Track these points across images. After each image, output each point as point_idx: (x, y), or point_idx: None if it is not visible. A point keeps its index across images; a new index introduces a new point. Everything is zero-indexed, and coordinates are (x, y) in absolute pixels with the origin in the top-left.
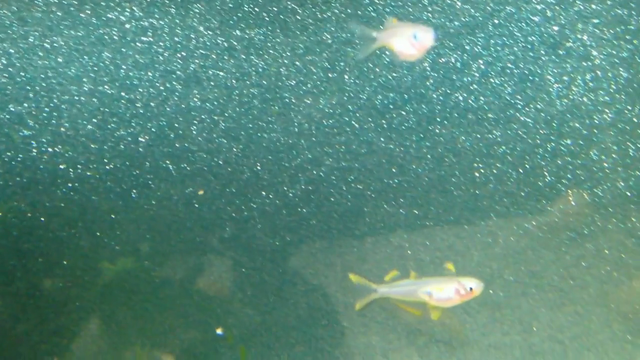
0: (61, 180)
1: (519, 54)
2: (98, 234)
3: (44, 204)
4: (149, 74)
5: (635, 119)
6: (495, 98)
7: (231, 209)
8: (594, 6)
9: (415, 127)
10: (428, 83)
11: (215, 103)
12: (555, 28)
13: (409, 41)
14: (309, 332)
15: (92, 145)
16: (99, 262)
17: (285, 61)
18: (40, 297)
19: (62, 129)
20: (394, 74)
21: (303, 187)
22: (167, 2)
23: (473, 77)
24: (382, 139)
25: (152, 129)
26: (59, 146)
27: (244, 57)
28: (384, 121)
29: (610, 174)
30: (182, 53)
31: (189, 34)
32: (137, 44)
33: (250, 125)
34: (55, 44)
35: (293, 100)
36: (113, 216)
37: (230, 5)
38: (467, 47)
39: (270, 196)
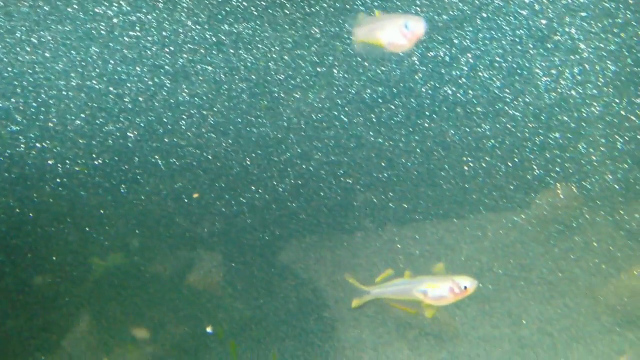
0: (50, 176)
1: (508, 47)
2: (87, 229)
3: (32, 199)
4: (138, 69)
5: (623, 112)
6: (484, 92)
7: (221, 204)
8: (581, 0)
9: (405, 121)
10: (417, 77)
11: (204, 98)
12: (544, 22)
13: (399, 31)
14: (299, 327)
15: (81, 141)
16: (88, 257)
17: (274, 56)
18: (30, 293)
19: (51, 125)
20: (383, 68)
21: (293, 181)
22: None
23: (462, 71)
24: (371, 133)
25: (141, 124)
26: (47, 142)
27: (232, 52)
28: (373, 115)
29: (599, 167)
30: (171, 48)
31: (177, 28)
32: (125, 38)
33: (240, 120)
34: (42, 39)
35: (282, 95)
36: (102, 212)
37: None
38: (456, 41)
39: (260, 191)
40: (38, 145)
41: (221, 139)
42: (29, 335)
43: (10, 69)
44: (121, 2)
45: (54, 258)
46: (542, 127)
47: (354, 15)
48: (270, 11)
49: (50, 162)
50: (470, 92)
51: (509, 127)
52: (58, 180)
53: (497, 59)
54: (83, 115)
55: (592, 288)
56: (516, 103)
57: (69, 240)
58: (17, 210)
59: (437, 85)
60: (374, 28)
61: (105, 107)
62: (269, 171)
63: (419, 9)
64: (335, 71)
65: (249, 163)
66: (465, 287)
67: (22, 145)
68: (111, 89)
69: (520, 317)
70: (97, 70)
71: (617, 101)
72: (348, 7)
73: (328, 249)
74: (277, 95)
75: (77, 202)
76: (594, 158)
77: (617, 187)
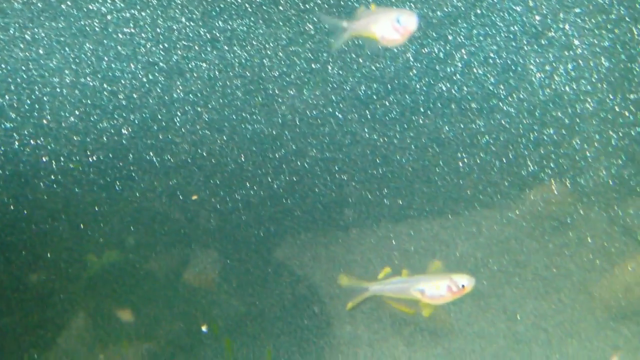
0: (44, 172)
1: (502, 43)
2: (81, 226)
3: (26, 196)
4: (132, 65)
5: (617, 108)
6: (478, 88)
7: (215, 200)
8: None
9: (399, 117)
10: (411, 73)
11: (199, 95)
12: (537, 18)
13: (392, 26)
14: (295, 323)
15: (75, 138)
16: (82, 255)
17: (269, 52)
18: (24, 290)
19: (44, 122)
20: (378, 65)
21: (287, 178)
22: None
23: (456, 68)
24: (365, 130)
25: (135, 121)
26: (41, 139)
27: (226, 48)
28: (367, 112)
29: (593, 163)
30: (165, 44)
31: (171, 25)
32: (119, 35)
33: (234, 117)
34: (36, 36)
35: (276, 92)
36: (96, 209)
37: None
38: (450, 38)
39: (255, 187)
40: (32, 142)
41: (215, 135)
42: (24, 332)
43: (3, 66)
44: None
45: (48, 255)
46: (536, 123)
47: (347, 12)
48: (265, 7)
49: (44, 159)
50: (465, 88)
51: (503, 123)
52: (52, 177)
53: (491, 55)
54: (77, 112)
55: (586, 283)
56: (510, 99)
57: (63, 237)
58: (11, 207)
59: (432, 82)
60: (369, 21)
61: (99, 104)
62: (263, 168)
63: (412, 5)
64: (329, 68)
65: (243, 159)
66: (463, 286)
67: (16, 142)
68: (105, 85)
69: (515, 313)
70: (91, 67)
71: (611, 97)
72: (342, 2)
73: (323, 245)
74: (271, 91)
75: (72, 199)
76: (588, 154)
77: (611, 183)
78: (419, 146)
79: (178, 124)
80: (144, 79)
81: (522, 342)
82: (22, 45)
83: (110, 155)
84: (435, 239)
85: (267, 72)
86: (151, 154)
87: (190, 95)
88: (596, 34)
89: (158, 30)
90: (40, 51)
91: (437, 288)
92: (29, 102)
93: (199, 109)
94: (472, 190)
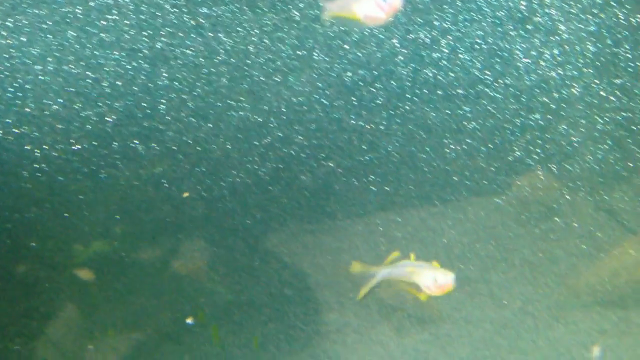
0: (27, 161)
1: (488, 29)
2: (66, 215)
3: (9, 185)
4: (115, 52)
5: (603, 93)
6: (464, 74)
7: (201, 188)
8: None
9: (385, 103)
10: (397, 59)
11: (184, 82)
12: (523, 3)
13: (375, 3)
14: (282, 310)
15: (58, 126)
16: (67, 244)
17: (254, 39)
18: (9, 279)
19: (27, 109)
20: (363, 51)
21: (273, 165)
22: None
23: (442, 53)
24: (352, 116)
25: (120, 109)
26: (25, 127)
27: (211, 34)
28: (353, 98)
29: (579, 148)
30: (149, 31)
31: (154, 11)
32: (102, 22)
33: (219, 104)
34: (18, 23)
35: (262, 79)
36: (81, 197)
37: None
38: (436, 23)
39: (241, 175)
40: (15, 130)
41: (201, 122)
42: (10, 323)
43: None
44: None
45: (33, 244)
46: (523, 108)
47: None
48: None
49: (27, 147)
50: (451, 74)
51: (490, 108)
52: (36, 166)
53: (477, 40)
54: (60, 100)
55: (573, 268)
56: (496, 85)
57: (47, 227)
58: None
59: (418, 68)
60: (349, 1)
61: (82, 91)
62: (249, 155)
63: None
64: (315, 54)
65: (229, 147)
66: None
67: None
68: (88, 73)
69: (502, 298)
70: (74, 54)
71: (597, 82)
72: None
73: (309, 233)
74: (256, 78)
75: (56, 188)
76: (574, 139)
77: (597, 168)
78: (405, 132)
79: (163, 111)
80: (128, 66)
81: (509, 327)
82: (4, 32)
83: (95, 143)
84: (422, 225)
85: (253, 59)
86: (136, 141)
87: (175, 82)
88: (582, 18)
89: (142, 16)
90: (23, 38)
91: (446, 277)
92: (11, 90)
93: (184, 96)
94: (458, 177)
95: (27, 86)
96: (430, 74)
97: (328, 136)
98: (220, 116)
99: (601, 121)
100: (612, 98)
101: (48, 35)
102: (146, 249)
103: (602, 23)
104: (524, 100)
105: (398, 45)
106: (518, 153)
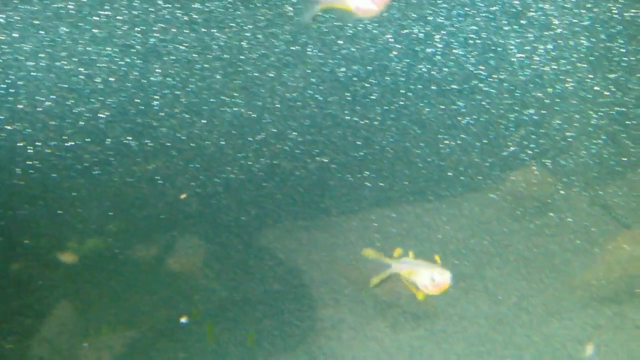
0: (20, 158)
1: (482, 24)
2: (60, 212)
3: (2, 182)
4: (108, 48)
5: (597, 88)
6: (458, 69)
7: (195, 184)
8: None
9: (379, 99)
10: (391, 55)
11: (177, 78)
12: None
13: None
14: (277, 307)
15: (51, 122)
16: (61, 241)
17: (247, 34)
18: (3, 277)
19: (20, 106)
20: (357, 46)
21: (268, 161)
22: None
23: (436, 48)
24: (346, 112)
25: (112, 105)
26: (17, 123)
27: (204, 30)
28: (347, 94)
29: (573, 143)
30: (141, 27)
31: (147, 7)
32: (95, 17)
33: (213, 100)
34: (10, 19)
35: (255, 74)
36: (75, 194)
37: None
38: (430, 18)
39: (235, 171)
40: (7, 127)
41: (194, 118)
42: (4, 320)
43: None
44: None
45: (26, 242)
46: (517, 103)
47: None
48: None
49: (20, 144)
50: (445, 69)
51: (484, 103)
52: (28, 163)
53: (471, 35)
54: (53, 96)
55: (568, 263)
56: (490, 79)
57: (41, 224)
58: None
59: (412, 63)
60: None
61: (75, 87)
62: (243, 151)
63: None
64: (309, 49)
65: (223, 143)
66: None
67: None
68: (81, 69)
69: (497, 294)
70: (67, 50)
71: (591, 76)
72: None
73: (304, 229)
74: (250, 74)
75: (49, 185)
76: (569, 134)
77: (592, 163)
78: (399, 128)
79: (156, 108)
80: (121, 62)
81: (504, 323)
82: None
83: (88, 140)
84: (417, 221)
85: (246, 54)
86: (129, 138)
87: (168, 78)
88: (576, 13)
89: (134, 12)
90: (15, 34)
91: (443, 276)
92: (3, 86)
93: (177, 92)
94: (453, 172)
95: (19, 82)
96: (425, 69)
97: (322, 132)
98: (214, 112)
99: (595, 116)
100: (606, 93)
101: (40, 31)
102: (140, 246)
103: (596, 17)
104: (518, 95)
105: (392, 41)
106: (512, 148)
